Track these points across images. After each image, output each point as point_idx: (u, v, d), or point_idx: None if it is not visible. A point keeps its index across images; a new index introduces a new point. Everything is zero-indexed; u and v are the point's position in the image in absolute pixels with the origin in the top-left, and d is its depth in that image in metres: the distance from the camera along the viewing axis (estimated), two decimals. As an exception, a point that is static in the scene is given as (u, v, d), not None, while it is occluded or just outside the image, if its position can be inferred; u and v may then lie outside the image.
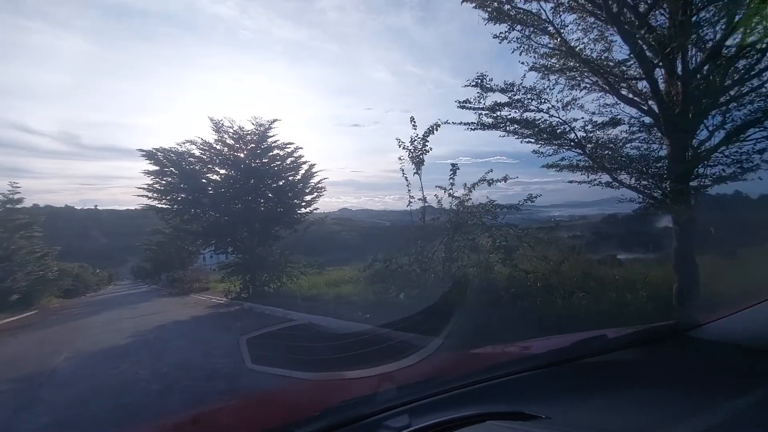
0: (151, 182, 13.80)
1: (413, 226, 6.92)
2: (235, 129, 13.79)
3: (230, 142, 13.84)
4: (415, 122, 6.42)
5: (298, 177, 14.55)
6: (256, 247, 13.72)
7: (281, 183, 14.59)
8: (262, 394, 1.92)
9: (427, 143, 6.26)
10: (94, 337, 8.39)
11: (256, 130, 13.79)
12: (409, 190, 6.72)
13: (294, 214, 14.70)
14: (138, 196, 13.92)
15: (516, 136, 4.77)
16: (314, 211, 15.17)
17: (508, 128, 4.77)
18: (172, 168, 13.64)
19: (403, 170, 6.67)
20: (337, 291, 9.85)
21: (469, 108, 4.79)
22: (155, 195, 13.91)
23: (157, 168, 13.59)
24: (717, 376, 1.09)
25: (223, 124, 13.85)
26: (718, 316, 1.21)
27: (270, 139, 14.08)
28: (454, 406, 1.03)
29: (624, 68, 4.15)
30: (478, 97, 4.68)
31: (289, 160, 14.56)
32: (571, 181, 4.59)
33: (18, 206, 23.45)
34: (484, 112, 4.78)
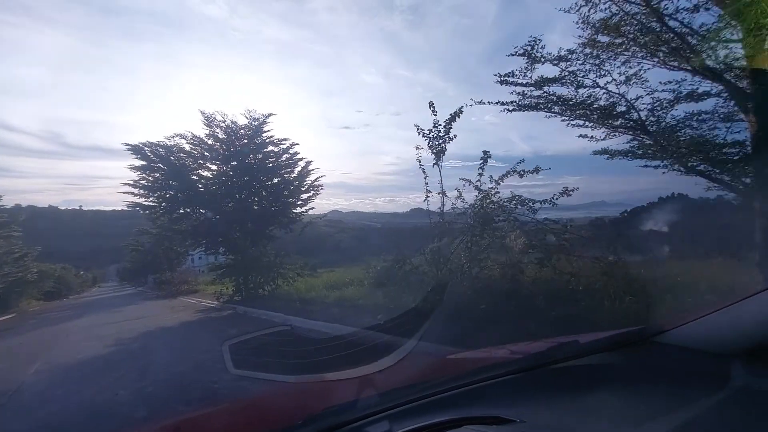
0: (137, 178, 12.87)
1: (430, 224, 6.22)
2: (227, 123, 12.95)
3: (222, 136, 12.98)
4: (434, 108, 5.73)
5: (294, 174, 13.75)
6: (250, 247, 12.83)
7: (276, 180, 13.77)
8: (245, 400, 1.87)
9: (450, 130, 5.57)
10: (71, 345, 7.47)
11: (250, 124, 12.95)
12: (427, 183, 6.02)
13: (289, 213, 13.90)
14: (124, 192, 12.96)
15: (562, 118, 4.10)
16: (309, 211, 14.38)
17: (553, 108, 4.09)
18: (160, 163, 12.72)
19: (420, 161, 5.99)
20: (339, 294, 9.09)
21: (511, 83, 4.11)
22: (142, 192, 12.96)
23: (143, 163, 12.65)
24: (680, 379, 1.11)
25: (214, 117, 12.99)
26: (682, 321, 1.23)
27: (265, 135, 13.26)
28: (432, 412, 1.05)
29: (707, 32, 3.51)
30: (525, 69, 4.00)
31: (284, 157, 13.76)
32: (646, 166, 3.92)
33: (-5, 204, 22.11)
34: (528, 89, 4.08)
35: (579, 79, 3.91)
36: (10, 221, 22.66)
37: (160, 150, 12.75)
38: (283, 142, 13.60)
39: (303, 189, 13.97)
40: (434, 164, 5.84)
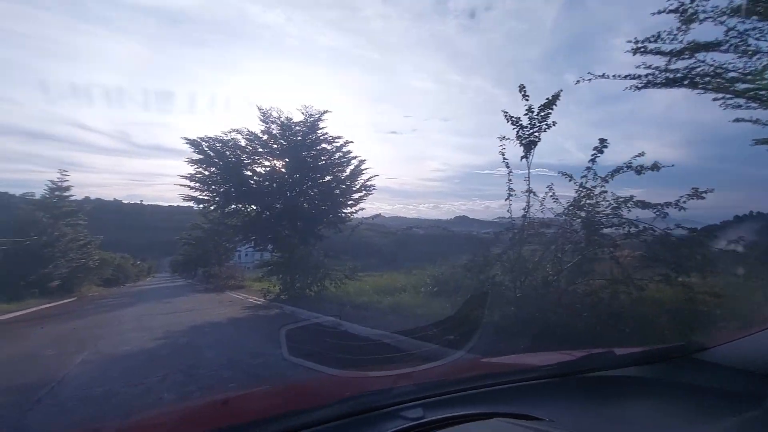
0: (193, 172, 12.86)
1: (512, 228, 5.35)
2: (283, 119, 12.67)
3: (278, 132, 12.72)
4: (525, 91, 4.89)
5: (347, 173, 13.26)
6: (298, 245, 12.41)
7: (328, 179, 13.34)
8: (291, 381, 1.99)
9: (549, 116, 4.70)
10: (120, 335, 7.21)
11: (306, 120, 12.60)
12: (510, 180, 5.17)
13: (340, 212, 13.39)
14: (180, 185, 12.97)
15: (716, 95, 3.13)
16: (359, 212, 13.79)
17: (706, 82, 3.12)
18: (216, 158, 12.64)
19: (503, 154, 5.14)
20: (393, 300, 8.35)
21: (651, 51, 3.19)
22: (198, 185, 12.93)
23: (200, 157, 12.62)
24: (716, 396, 1.10)
25: (270, 113, 12.77)
26: (725, 340, 1.20)
27: (319, 132, 12.88)
28: (464, 405, 1.06)
29: None
30: (677, 31, 3.07)
31: (337, 155, 13.32)
32: None
33: (66, 194, 23.40)
34: (673, 59, 3.14)
35: (753, 41, 2.92)
36: (77, 210, 23.94)
37: (217, 145, 12.67)
38: (336, 140, 13.19)
39: (354, 189, 13.45)
40: (522, 158, 4.99)
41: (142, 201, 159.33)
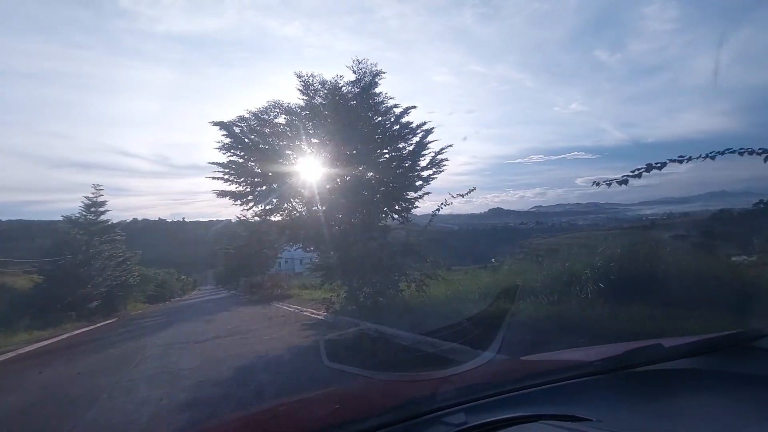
0: (226, 161, 10.10)
1: None
2: (329, 86, 9.72)
3: (322, 102, 9.78)
4: None
5: (412, 145, 10.14)
6: (361, 240, 9.38)
7: (387, 156, 10.27)
8: (336, 390, 1.73)
9: None
10: (127, 394, 4.28)
11: (359, 80, 9.60)
12: None
13: (406, 196, 10.28)
14: (213, 179, 10.22)
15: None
16: (426, 195, 10.60)
17: None
18: (251, 145, 9.87)
19: None
20: (534, 311, 5.16)
21: None
22: (232, 177, 10.16)
23: (230, 141, 9.86)
24: None
25: (312, 82, 9.85)
26: None
27: (376, 97, 9.87)
28: (507, 408, 1.00)
29: None
30: None
31: (396, 127, 10.25)
32: None
33: (101, 209, 21.49)
34: None
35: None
36: (113, 226, 22.03)
37: (253, 122, 9.91)
38: (394, 108, 10.11)
39: (419, 167, 10.29)
40: None
41: (184, 218, 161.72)
